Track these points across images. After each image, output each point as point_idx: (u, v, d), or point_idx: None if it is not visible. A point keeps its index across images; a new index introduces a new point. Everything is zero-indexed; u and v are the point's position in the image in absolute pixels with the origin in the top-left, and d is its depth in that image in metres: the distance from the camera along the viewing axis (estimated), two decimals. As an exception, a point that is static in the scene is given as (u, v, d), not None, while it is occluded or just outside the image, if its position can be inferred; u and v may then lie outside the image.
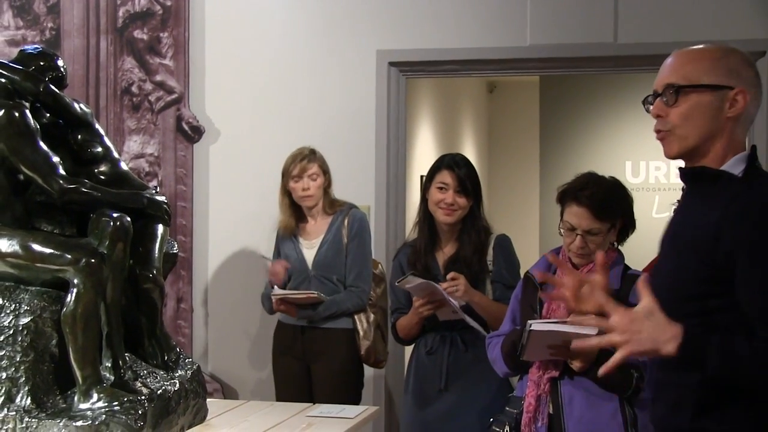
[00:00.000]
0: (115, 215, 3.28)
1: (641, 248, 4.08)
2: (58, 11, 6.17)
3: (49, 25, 6.18)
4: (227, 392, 6.02)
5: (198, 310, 6.10)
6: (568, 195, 3.74)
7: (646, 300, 2.29)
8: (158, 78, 6.09)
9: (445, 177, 4.38)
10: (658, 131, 2.48)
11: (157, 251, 3.49)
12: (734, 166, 2.43)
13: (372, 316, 5.01)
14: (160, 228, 3.55)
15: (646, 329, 2.25)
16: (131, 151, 6.09)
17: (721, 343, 2.23)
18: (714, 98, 2.41)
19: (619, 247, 3.79)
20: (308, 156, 5.00)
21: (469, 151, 10.08)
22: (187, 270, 6.06)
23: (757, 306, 2.26)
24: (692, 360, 2.24)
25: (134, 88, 6.10)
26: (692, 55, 2.46)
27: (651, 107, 2.49)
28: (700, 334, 2.25)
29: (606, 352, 3.33)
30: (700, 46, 2.48)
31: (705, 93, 2.41)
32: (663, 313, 2.27)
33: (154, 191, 3.59)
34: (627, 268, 3.71)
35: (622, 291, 3.56)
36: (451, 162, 4.43)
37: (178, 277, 6.04)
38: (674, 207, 2.68)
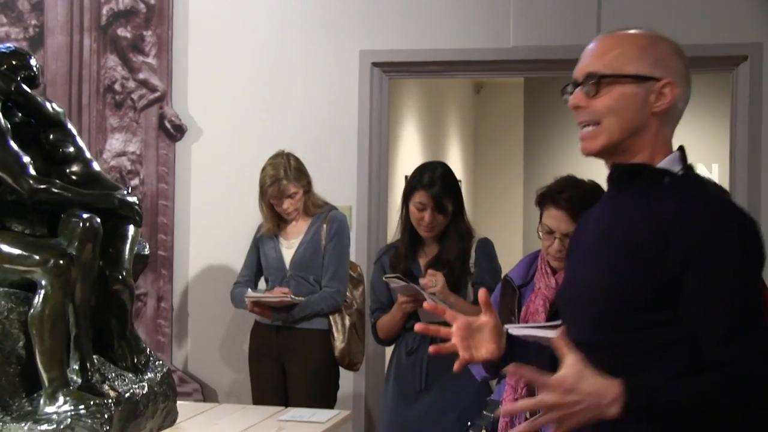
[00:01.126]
0: (84, 216, 3.27)
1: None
2: (42, 8, 6.15)
3: (33, 22, 6.16)
4: (206, 392, 6.00)
5: (179, 309, 6.08)
6: (546, 198, 3.73)
7: (570, 360, 2.02)
8: (141, 76, 6.07)
9: (422, 197, 4.38)
10: (582, 124, 2.23)
11: (127, 252, 3.47)
12: (671, 165, 2.19)
13: (348, 318, 5.00)
14: (131, 229, 3.53)
15: (584, 398, 1.98)
16: (113, 149, 6.07)
17: (668, 390, 2.00)
18: (639, 90, 2.16)
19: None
20: (283, 176, 4.95)
21: (455, 151, 10.08)
22: (167, 269, 6.04)
23: (720, 326, 2.02)
24: (641, 417, 2.00)
25: (117, 86, 6.08)
26: (616, 42, 2.22)
27: (570, 97, 2.26)
28: (642, 386, 2.01)
29: None
30: (625, 32, 2.24)
31: (629, 84, 2.16)
32: (592, 370, 2.00)
33: (125, 192, 3.57)
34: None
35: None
36: (426, 182, 4.41)
37: (159, 276, 6.02)
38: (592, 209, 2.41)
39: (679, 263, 2.05)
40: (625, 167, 2.23)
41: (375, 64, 5.87)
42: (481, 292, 2.33)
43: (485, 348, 2.32)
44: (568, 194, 3.63)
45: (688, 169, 2.21)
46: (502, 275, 4.12)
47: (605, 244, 2.19)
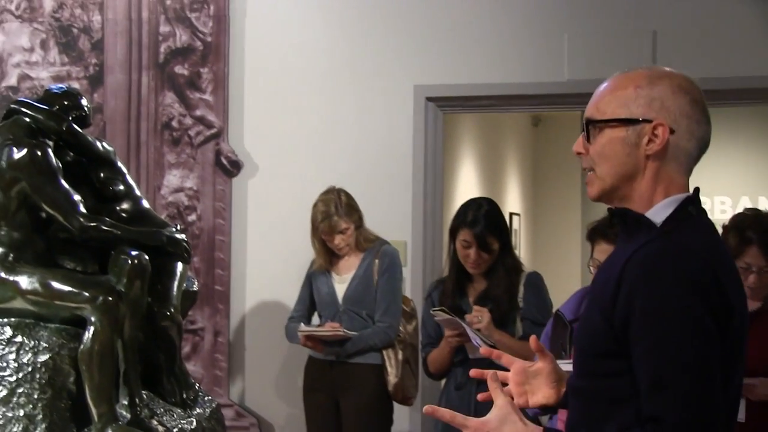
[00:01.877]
0: (133, 253, 3.31)
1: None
2: (102, 48, 6.26)
3: (93, 61, 6.27)
4: (263, 427, 6.02)
5: (235, 343, 6.12)
6: (597, 232, 3.71)
7: (499, 402, 2.07)
8: (198, 113, 6.14)
9: (466, 235, 4.39)
10: (584, 171, 2.16)
11: (175, 289, 3.51)
12: (659, 211, 2.09)
13: (401, 352, 4.99)
14: (180, 266, 3.57)
15: None
16: (171, 185, 6.14)
17: None
18: (629, 134, 2.07)
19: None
20: (334, 213, 4.97)
21: (513, 185, 10.04)
22: (224, 304, 6.09)
23: (647, 378, 1.96)
24: None
25: (174, 123, 6.16)
26: (615, 84, 2.13)
27: None
28: None
29: None
30: (630, 71, 2.15)
31: (617, 128, 2.07)
32: (519, 414, 2.05)
33: (174, 229, 3.61)
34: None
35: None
36: (470, 220, 4.41)
37: (216, 311, 6.07)
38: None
39: (624, 313, 1.99)
40: (613, 212, 2.18)
41: (429, 99, 5.89)
42: (532, 340, 2.30)
43: (542, 393, 2.29)
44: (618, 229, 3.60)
45: (679, 212, 2.08)
46: (554, 310, 4.10)
47: (593, 294, 2.16)
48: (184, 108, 6.16)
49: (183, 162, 6.15)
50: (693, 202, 2.10)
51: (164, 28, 6.17)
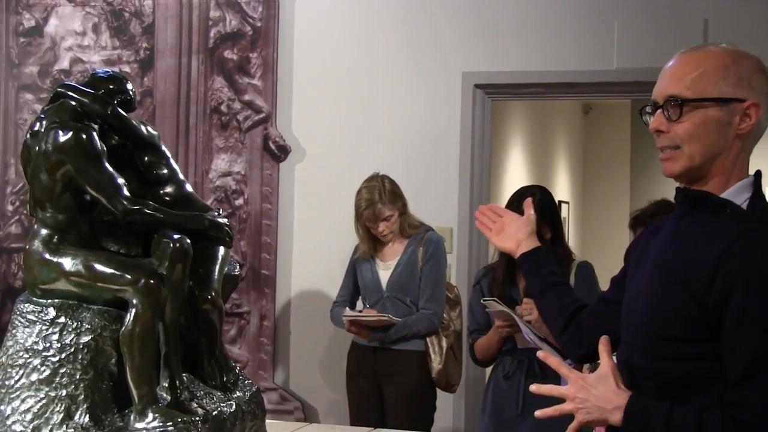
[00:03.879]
0: (175, 237, 3.33)
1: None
2: (153, 32, 6.31)
3: (144, 45, 6.32)
4: (307, 411, 6.06)
5: (281, 327, 6.15)
6: (638, 221, 3.71)
7: (604, 364, 2.17)
8: (247, 97, 6.18)
9: None
10: (662, 148, 2.18)
11: (216, 273, 3.52)
12: (737, 194, 2.12)
13: (444, 339, 4.99)
14: (221, 250, 3.58)
15: (593, 398, 2.12)
16: (219, 169, 6.18)
17: (668, 413, 2.03)
18: (723, 113, 2.10)
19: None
20: (378, 200, 4.97)
21: (562, 173, 9.99)
22: (270, 288, 6.12)
23: (739, 365, 1.99)
24: (636, 430, 2.07)
25: (223, 107, 6.20)
26: (696, 61, 2.13)
27: (650, 119, 2.21)
28: (647, 402, 2.07)
29: None
30: (706, 49, 2.18)
31: (712, 107, 2.10)
32: (618, 379, 2.13)
33: (216, 213, 3.63)
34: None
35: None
36: (521, 202, 4.38)
37: (262, 295, 6.11)
38: (650, 227, 2.42)
39: (721, 299, 2.01)
40: (688, 193, 2.18)
41: (477, 86, 5.87)
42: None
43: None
44: (660, 217, 3.58)
45: (756, 197, 2.13)
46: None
47: (660, 270, 2.16)
48: (233, 93, 6.19)
49: (231, 146, 6.19)
50: (760, 186, 2.15)
51: (214, 13, 6.20)
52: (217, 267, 3.53)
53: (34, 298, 3.40)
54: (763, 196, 2.15)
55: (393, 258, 5.07)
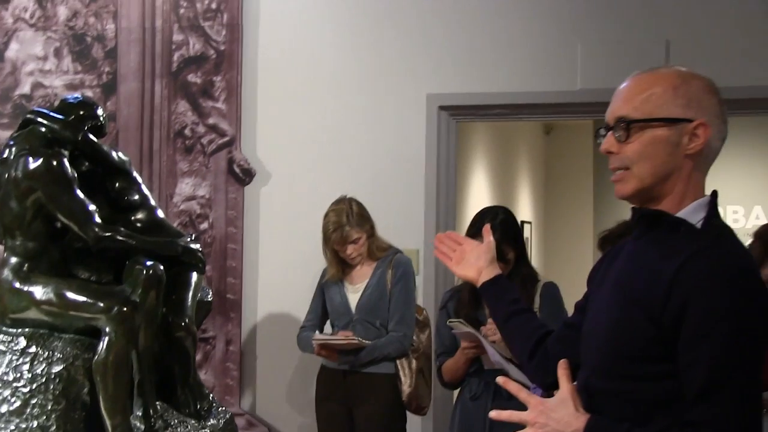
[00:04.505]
0: (148, 263, 3.31)
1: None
2: (115, 56, 6.26)
3: (106, 69, 6.28)
4: (275, 435, 6.02)
5: (247, 352, 6.11)
6: (607, 241, 3.71)
7: (563, 388, 2.16)
8: (211, 121, 6.14)
9: None
10: (613, 169, 2.19)
11: (190, 299, 3.51)
12: (693, 213, 2.13)
13: (414, 362, 4.97)
14: (194, 276, 3.57)
15: (553, 422, 2.11)
16: (183, 193, 6.14)
17: None
18: (671, 133, 2.11)
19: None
20: (345, 223, 4.95)
21: (525, 193, 10.03)
22: (236, 312, 6.08)
23: (696, 383, 1.99)
24: None
25: (187, 131, 6.16)
26: (646, 83, 2.17)
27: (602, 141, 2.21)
28: (605, 424, 2.07)
29: None
30: (657, 71, 2.20)
31: (660, 127, 2.11)
32: (577, 402, 2.12)
33: (189, 239, 3.61)
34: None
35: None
36: (484, 223, 4.38)
37: (228, 319, 6.06)
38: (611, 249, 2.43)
39: (676, 317, 2.02)
40: (644, 213, 2.19)
41: (442, 108, 5.88)
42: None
43: None
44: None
45: (711, 217, 2.14)
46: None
47: (619, 290, 2.17)
48: (197, 116, 6.16)
49: (195, 170, 6.15)
50: (715, 204, 2.16)
51: (177, 37, 6.17)
52: (191, 293, 3.52)
53: (4, 328, 3.37)
54: (719, 215, 2.17)
55: (362, 281, 5.05)
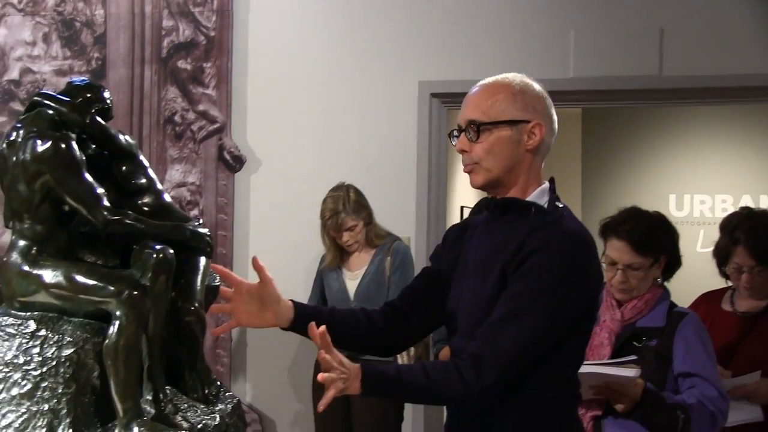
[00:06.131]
0: (158, 247, 3.29)
1: (687, 284, 4.01)
2: (105, 42, 6.22)
3: (96, 55, 6.23)
4: (265, 423, 6.00)
5: (237, 340, 6.09)
6: (609, 229, 3.71)
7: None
8: (201, 107, 6.11)
9: None
10: (465, 164, 2.58)
11: (199, 284, 3.49)
12: (539, 197, 2.56)
13: (413, 350, 4.98)
14: (203, 260, 3.55)
15: (346, 372, 2.33)
16: (173, 179, 6.11)
17: (396, 370, 2.38)
18: (513, 132, 2.52)
19: (665, 284, 3.72)
20: (342, 209, 4.99)
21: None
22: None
23: (495, 315, 2.39)
24: (374, 392, 2.38)
25: (177, 118, 6.13)
26: (493, 90, 2.55)
27: (456, 141, 2.60)
28: (374, 367, 2.36)
29: (650, 395, 3.29)
30: (502, 79, 2.58)
31: (504, 128, 2.52)
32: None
33: (196, 223, 3.58)
34: (673, 305, 3.64)
35: (668, 329, 3.50)
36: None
37: (218, 307, 6.03)
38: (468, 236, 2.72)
39: (516, 264, 2.44)
40: (498, 202, 2.60)
41: (434, 95, 5.88)
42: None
43: None
44: (630, 225, 3.61)
45: (553, 200, 2.56)
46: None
47: (482, 265, 2.53)
48: (187, 103, 6.13)
49: (185, 157, 6.12)
50: (554, 191, 2.60)
51: (167, 23, 6.14)
52: (199, 278, 3.50)
53: (13, 311, 3.34)
54: (559, 198, 2.60)
55: (360, 268, 5.05)
